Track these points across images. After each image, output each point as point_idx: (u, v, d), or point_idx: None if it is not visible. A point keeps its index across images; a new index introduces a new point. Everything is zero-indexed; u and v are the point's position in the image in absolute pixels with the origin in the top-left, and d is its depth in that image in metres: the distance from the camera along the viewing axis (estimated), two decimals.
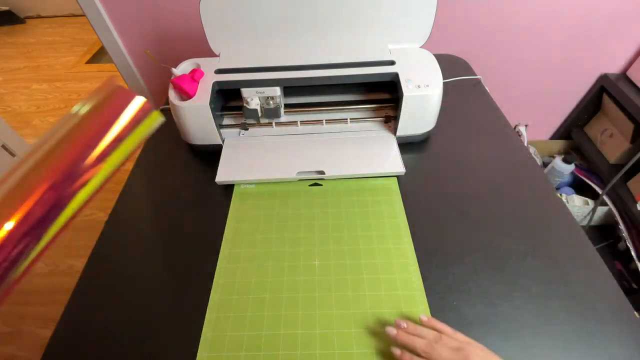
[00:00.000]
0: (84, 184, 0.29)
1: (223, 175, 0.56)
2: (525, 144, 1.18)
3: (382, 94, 0.66)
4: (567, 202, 1.08)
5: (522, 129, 1.16)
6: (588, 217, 1.08)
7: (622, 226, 1.01)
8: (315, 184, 0.56)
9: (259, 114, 0.60)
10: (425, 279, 0.45)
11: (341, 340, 0.40)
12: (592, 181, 1.12)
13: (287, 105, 0.64)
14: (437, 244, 0.48)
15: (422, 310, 0.42)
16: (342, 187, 0.56)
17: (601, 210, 1.08)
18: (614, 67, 1.06)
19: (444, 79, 0.57)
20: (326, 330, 0.40)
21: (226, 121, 0.63)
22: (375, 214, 0.52)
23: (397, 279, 0.44)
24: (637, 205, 0.96)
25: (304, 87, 0.65)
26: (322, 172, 0.55)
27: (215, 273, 0.46)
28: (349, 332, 0.40)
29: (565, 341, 0.39)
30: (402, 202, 0.53)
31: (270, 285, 0.44)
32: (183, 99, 0.55)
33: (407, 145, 0.62)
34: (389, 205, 0.53)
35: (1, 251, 0.26)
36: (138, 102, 0.30)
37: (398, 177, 0.56)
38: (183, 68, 0.59)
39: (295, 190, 0.56)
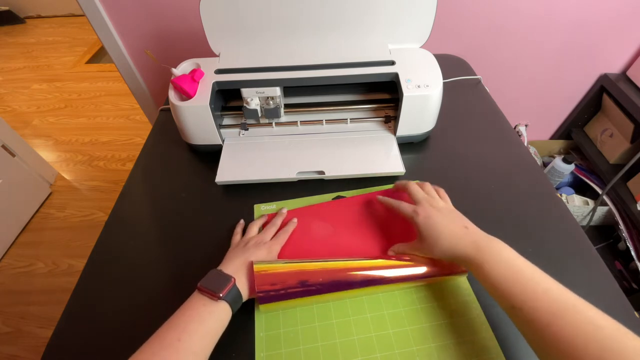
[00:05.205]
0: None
1: (223, 175, 0.55)
2: (525, 144, 1.18)
3: (382, 94, 0.66)
4: (567, 202, 1.08)
5: (522, 129, 1.16)
6: (588, 217, 1.08)
7: (622, 226, 1.01)
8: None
9: (259, 114, 0.60)
10: None
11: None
12: (592, 181, 1.12)
13: (287, 105, 0.64)
14: None
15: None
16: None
17: (601, 210, 1.08)
18: (614, 67, 1.06)
19: (444, 79, 0.57)
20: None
21: (226, 121, 0.63)
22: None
23: None
24: (637, 205, 0.96)
25: (304, 87, 0.65)
26: (322, 172, 0.55)
27: None
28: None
29: None
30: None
31: None
32: (183, 99, 0.55)
33: (407, 145, 0.62)
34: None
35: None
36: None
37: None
38: (183, 68, 0.59)
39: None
